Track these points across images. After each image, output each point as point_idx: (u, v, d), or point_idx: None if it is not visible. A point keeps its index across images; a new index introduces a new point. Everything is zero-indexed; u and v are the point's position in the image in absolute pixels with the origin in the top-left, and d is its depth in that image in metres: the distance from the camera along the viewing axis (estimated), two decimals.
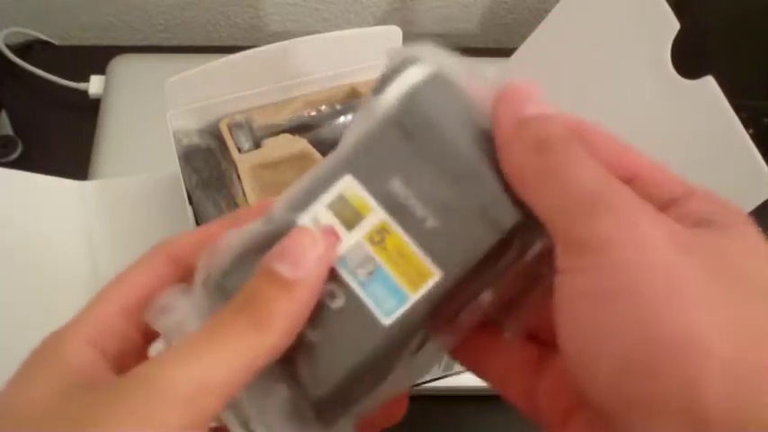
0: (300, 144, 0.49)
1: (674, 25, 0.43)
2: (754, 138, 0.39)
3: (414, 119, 0.23)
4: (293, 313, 0.22)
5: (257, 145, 0.50)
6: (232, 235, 0.24)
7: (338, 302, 0.23)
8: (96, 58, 0.63)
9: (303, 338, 0.22)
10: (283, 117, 0.51)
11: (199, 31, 0.71)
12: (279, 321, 0.21)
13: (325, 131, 0.51)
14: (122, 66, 0.62)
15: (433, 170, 0.23)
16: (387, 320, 0.22)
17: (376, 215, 0.23)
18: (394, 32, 0.52)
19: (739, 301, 0.19)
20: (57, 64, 0.63)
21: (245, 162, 0.48)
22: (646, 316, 0.18)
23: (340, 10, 0.70)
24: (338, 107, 0.52)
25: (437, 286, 0.22)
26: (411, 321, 0.22)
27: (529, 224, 0.22)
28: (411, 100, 0.23)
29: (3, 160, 0.58)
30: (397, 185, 0.23)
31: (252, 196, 0.47)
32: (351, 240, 0.23)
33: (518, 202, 0.22)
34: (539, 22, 0.52)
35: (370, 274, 0.23)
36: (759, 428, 0.17)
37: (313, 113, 0.52)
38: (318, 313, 0.23)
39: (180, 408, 0.20)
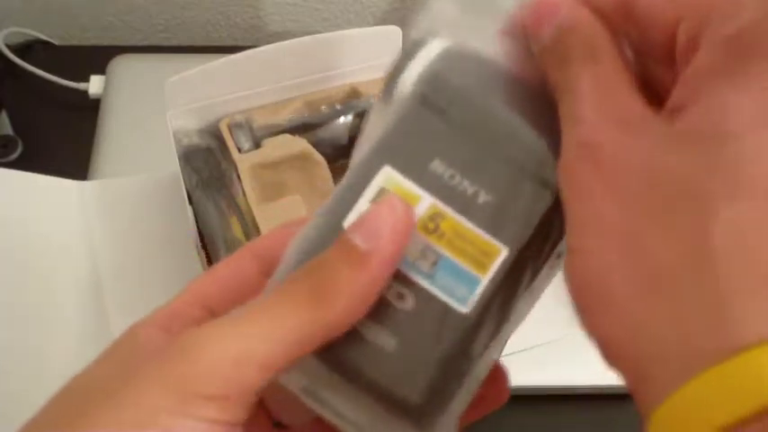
0: (300, 144, 0.49)
1: None
2: None
3: (440, 93, 0.22)
4: (361, 288, 0.20)
5: (257, 145, 0.50)
6: (292, 242, 0.23)
7: (408, 303, 0.21)
8: (96, 58, 0.63)
9: (379, 350, 0.21)
10: (283, 117, 0.51)
11: (199, 31, 0.71)
12: (343, 296, 0.20)
13: (325, 131, 0.51)
14: (122, 66, 0.62)
15: (473, 142, 0.22)
16: (464, 308, 0.21)
17: (424, 202, 0.22)
18: (394, 32, 0.52)
19: None
20: (57, 64, 0.63)
21: (245, 162, 0.48)
22: None
23: (340, 10, 0.70)
24: (338, 107, 0.52)
25: (506, 261, 0.21)
26: (488, 301, 0.21)
27: None
28: (433, 75, 0.22)
29: (3, 160, 0.58)
30: (438, 166, 0.22)
31: (252, 196, 0.47)
32: None
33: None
34: None
35: (434, 264, 0.21)
36: None
37: (313, 113, 0.52)
38: (390, 318, 0.21)
39: (213, 379, 0.19)
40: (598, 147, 0.19)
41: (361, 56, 0.52)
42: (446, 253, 0.21)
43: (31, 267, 0.48)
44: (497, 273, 0.21)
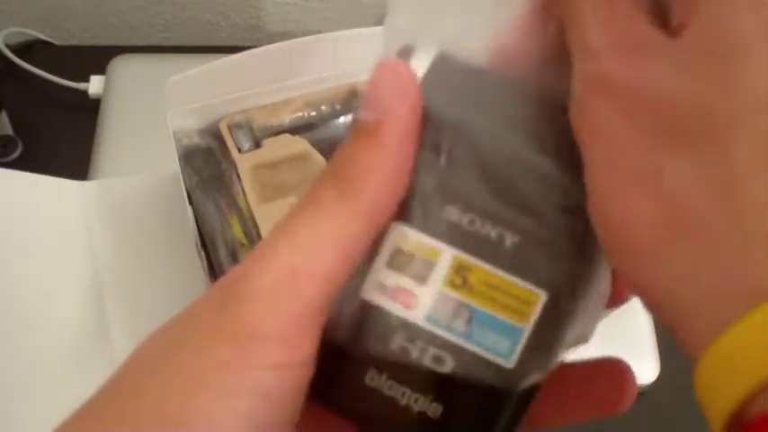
0: (300, 144, 0.49)
1: None
2: None
3: (437, 132, 0.20)
4: (382, 164, 0.19)
5: (257, 145, 0.50)
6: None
7: (447, 365, 0.20)
8: (96, 58, 0.63)
9: (425, 419, 0.20)
10: (283, 117, 0.51)
11: (199, 31, 0.71)
12: (366, 177, 0.19)
13: (325, 131, 0.51)
14: (122, 66, 0.62)
15: (483, 179, 0.20)
16: (509, 364, 0.20)
17: (446, 255, 0.20)
18: None
19: None
20: (57, 64, 0.63)
21: (245, 162, 0.48)
22: None
23: (340, 10, 0.70)
24: (338, 107, 0.52)
25: (547, 305, 0.20)
26: (534, 350, 0.20)
27: None
28: (424, 109, 0.20)
29: (3, 160, 0.58)
30: (453, 213, 0.20)
31: (252, 196, 0.47)
32: (431, 294, 0.20)
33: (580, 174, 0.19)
34: None
35: (469, 321, 0.20)
36: None
37: (313, 113, 0.52)
38: (431, 384, 0.20)
39: (270, 312, 0.18)
40: (609, 77, 0.18)
41: (361, 56, 0.52)
42: (480, 307, 0.20)
43: (31, 267, 0.48)
44: (540, 319, 0.20)
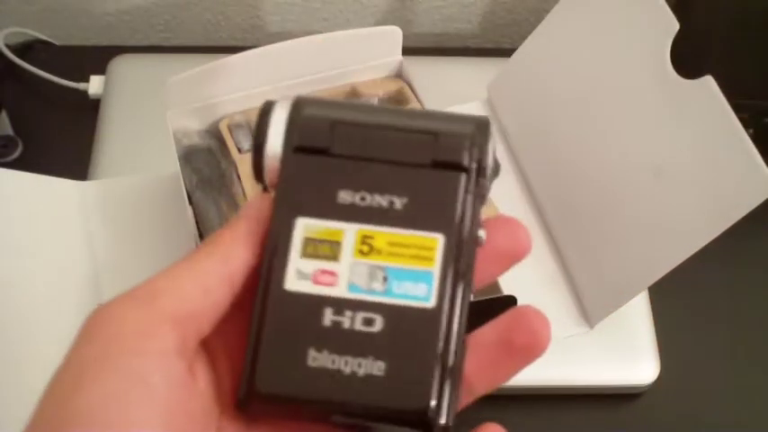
0: None
1: (674, 25, 0.43)
2: (754, 138, 0.39)
3: (314, 135, 0.23)
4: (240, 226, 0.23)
5: None
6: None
7: (378, 323, 0.22)
8: (96, 58, 0.63)
9: (374, 378, 0.22)
10: None
11: (199, 31, 0.71)
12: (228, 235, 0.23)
13: None
14: (122, 66, 0.62)
15: (365, 159, 0.23)
16: (429, 303, 0.22)
17: (349, 232, 0.23)
18: (394, 32, 0.52)
19: None
20: (57, 64, 0.63)
21: (245, 162, 0.48)
22: None
23: (340, 10, 0.70)
24: None
25: (447, 246, 0.23)
26: (447, 286, 0.22)
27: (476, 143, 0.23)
28: (301, 124, 0.24)
29: (3, 160, 0.58)
30: (346, 195, 0.23)
31: (252, 196, 0.47)
32: (345, 267, 0.22)
33: (454, 131, 0.23)
34: (539, 22, 0.52)
35: (386, 279, 0.22)
36: None
37: None
38: (369, 346, 0.22)
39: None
40: None
41: (361, 56, 0.52)
42: (390, 263, 0.23)
43: (31, 267, 0.48)
44: (444, 259, 0.23)
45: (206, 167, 0.49)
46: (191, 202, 0.48)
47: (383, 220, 0.23)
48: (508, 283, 0.44)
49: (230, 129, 0.50)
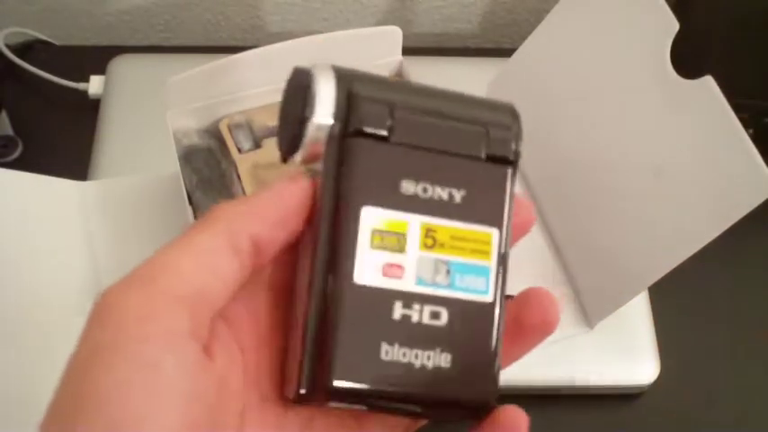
0: None
1: (674, 25, 0.43)
2: (754, 138, 0.39)
3: (372, 116, 0.23)
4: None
5: (257, 145, 0.50)
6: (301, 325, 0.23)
7: (443, 317, 0.23)
8: (96, 58, 0.63)
9: (441, 371, 0.22)
10: None
11: (199, 31, 0.71)
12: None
13: None
14: (122, 66, 0.62)
15: (424, 149, 0.23)
16: (489, 298, 0.23)
17: (414, 223, 0.23)
18: (394, 32, 0.52)
19: None
20: (57, 64, 0.63)
21: (245, 162, 0.48)
22: None
23: (340, 10, 0.70)
24: None
25: (499, 240, 0.23)
26: (499, 280, 0.23)
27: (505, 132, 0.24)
28: (354, 102, 0.23)
29: (3, 160, 0.58)
30: (409, 186, 0.23)
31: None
32: (412, 259, 0.23)
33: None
34: (539, 22, 0.52)
35: (449, 273, 0.23)
36: None
37: None
38: (436, 339, 0.22)
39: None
40: None
41: (361, 56, 0.52)
42: (453, 257, 0.23)
43: (31, 267, 0.48)
44: (498, 253, 0.23)
45: (206, 167, 0.49)
46: (191, 202, 0.48)
47: (444, 212, 0.23)
48: (508, 283, 0.44)
49: (230, 129, 0.50)
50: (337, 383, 0.22)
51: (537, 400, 0.49)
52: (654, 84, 0.44)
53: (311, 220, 0.23)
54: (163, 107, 0.48)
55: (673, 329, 0.51)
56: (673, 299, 0.51)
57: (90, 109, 0.60)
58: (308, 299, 0.22)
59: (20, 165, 0.56)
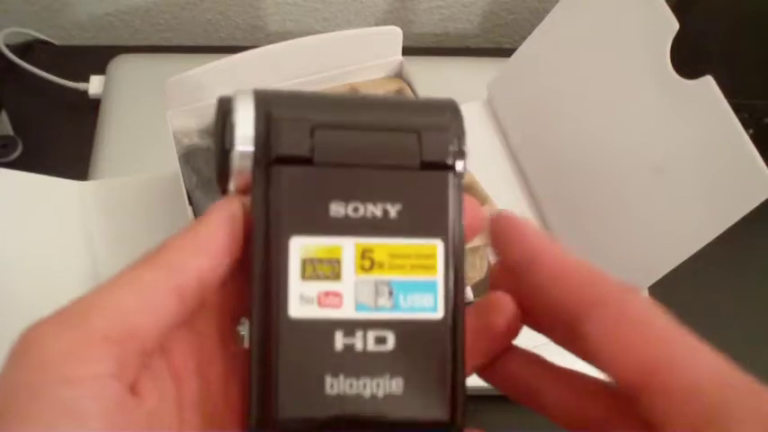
0: None
1: (674, 25, 0.43)
2: (754, 138, 0.39)
3: (290, 140, 0.21)
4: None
5: None
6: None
7: (390, 341, 0.21)
8: (96, 58, 0.63)
9: (393, 396, 0.21)
10: None
11: (199, 31, 0.71)
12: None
13: None
14: (122, 66, 0.62)
15: (351, 167, 0.22)
16: (439, 314, 0.22)
17: (347, 247, 0.21)
18: (394, 32, 0.52)
19: None
20: (57, 64, 0.63)
21: None
22: None
23: (340, 10, 0.70)
24: None
25: (445, 251, 0.22)
26: (450, 292, 0.22)
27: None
28: (271, 127, 0.22)
29: (3, 160, 0.58)
30: (338, 208, 0.21)
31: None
32: (349, 285, 0.21)
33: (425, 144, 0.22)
34: (539, 22, 0.52)
35: (391, 294, 0.22)
36: None
37: None
38: (384, 365, 0.21)
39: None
40: None
41: (361, 56, 0.52)
42: (394, 277, 0.22)
43: (31, 267, 0.48)
44: (444, 265, 0.22)
45: (206, 167, 0.49)
46: (191, 202, 0.48)
47: (380, 230, 0.22)
48: None
49: None
50: (284, 417, 0.21)
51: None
52: (654, 84, 0.44)
53: (247, 247, 0.22)
54: (163, 107, 0.48)
55: None
56: (673, 299, 0.51)
57: (90, 109, 0.60)
58: (249, 333, 0.21)
59: (20, 165, 0.56)
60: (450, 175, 0.22)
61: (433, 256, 0.22)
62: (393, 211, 0.22)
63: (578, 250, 0.50)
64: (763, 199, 0.39)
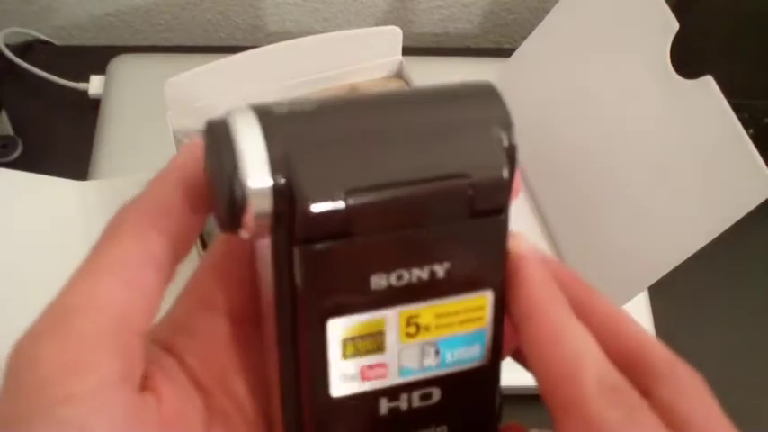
0: None
1: (674, 25, 0.43)
2: (754, 138, 0.39)
3: (320, 219, 0.18)
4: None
5: None
6: None
7: (436, 395, 0.20)
8: (96, 58, 0.63)
9: None
10: None
11: (199, 31, 0.71)
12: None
13: None
14: (122, 66, 0.62)
15: (389, 234, 0.19)
16: (484, 362, 0.21)
17: (392, 318, 0.19)
18: (394, 32, 0.52)
19: None
20: (57, 64, 0.63)
21: None
22: None
23: (340, 10, 0.70)
24: None
25: (495, 298, 0.20)
26: (496, 337, 0.21)
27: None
28: (301, 210, 0.17)
29: (3, 160, 0.58)
30: (379, 280, 0.19)
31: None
32: (393, 355, 0.20)
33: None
34: (539, 22, 0.52)
35: (438, 353, 0.20)
36: None
37: None
38: (430, 417, 0.20)
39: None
40: None
41: (361, 56, 0.52)
42: (442, 337, 0.20)
43: (31, 267, 0.48)
44: (494, 312, 0.20)
45: None
46: None
47: (426, 294, 0.19)
48: None
49: None
50: None
51: (537, 399, 0.49)
52: (654, 84, 0.44)
53: (254, 280, 0.20)
54: (163, 107, 0.48)
55: (673, 329, 0.51)
56: (673, 299, 0.51)
57: (90, 109, 0.60)
58: (282, 409, 0.20)
59: (20, 165, 0.56)
60: (502, 218, 0.19)
61: (483, 308, 0.20)
62: (441, 270, 0.19)
63: (578, 250, 0.50)
64: (763, 199, 0.39)
